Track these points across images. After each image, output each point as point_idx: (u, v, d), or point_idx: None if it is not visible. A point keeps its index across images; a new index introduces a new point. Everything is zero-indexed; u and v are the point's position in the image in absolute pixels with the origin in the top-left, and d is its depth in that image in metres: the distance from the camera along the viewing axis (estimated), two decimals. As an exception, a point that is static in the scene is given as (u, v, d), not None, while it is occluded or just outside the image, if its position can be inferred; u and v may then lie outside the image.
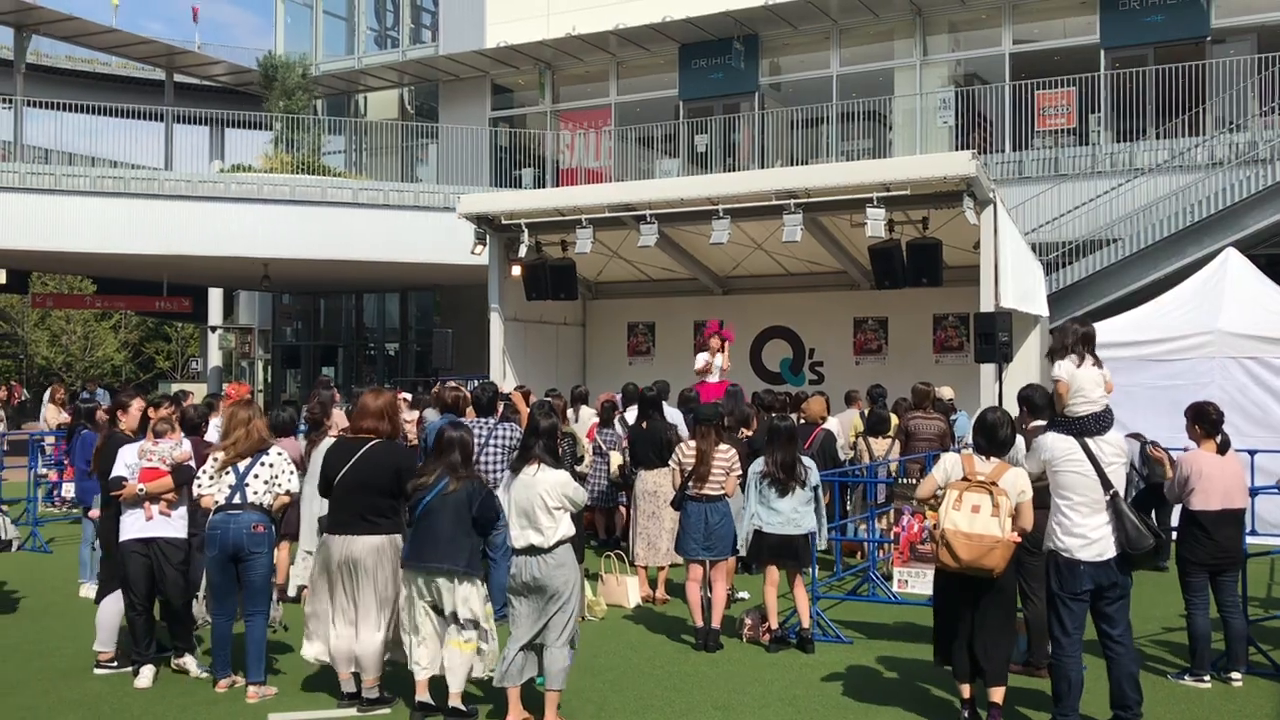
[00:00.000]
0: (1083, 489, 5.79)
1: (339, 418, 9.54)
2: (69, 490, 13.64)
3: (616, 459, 10.96)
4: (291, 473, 6.85)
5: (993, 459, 6.01)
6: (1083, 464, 5.81)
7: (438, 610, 6.23)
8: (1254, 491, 8.30)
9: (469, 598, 6.18)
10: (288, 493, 6.84)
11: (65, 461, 13.81)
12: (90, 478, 9.68)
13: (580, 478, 11.00)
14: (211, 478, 6.81)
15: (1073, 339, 6.06)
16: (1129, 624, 5.93)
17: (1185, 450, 7.38)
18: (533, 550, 6.02)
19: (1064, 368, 5.98)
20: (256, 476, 6.73)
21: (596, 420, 11.93)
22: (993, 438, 6.04)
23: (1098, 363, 6.03)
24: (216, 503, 6.73)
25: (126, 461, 7.11)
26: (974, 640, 5.98)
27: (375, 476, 6.39)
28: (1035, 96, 19.79)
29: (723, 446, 8.24)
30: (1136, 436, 9.90)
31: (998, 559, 5.78)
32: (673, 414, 10.79)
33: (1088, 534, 5.77)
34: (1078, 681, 5.79)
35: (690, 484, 8.17)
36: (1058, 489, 5.89)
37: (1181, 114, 18.09)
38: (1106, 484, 5.78)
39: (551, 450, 6.24)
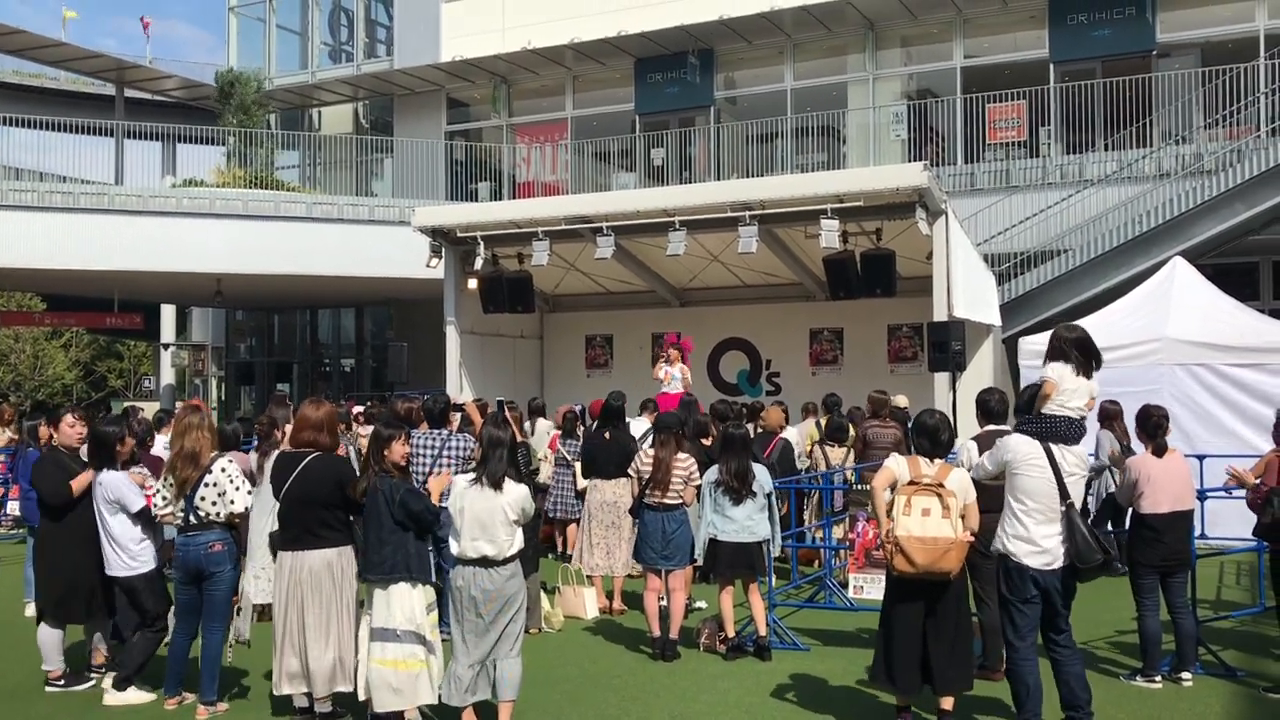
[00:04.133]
0: (1040, 495, 5.77)
1: (289, 429, 9.43)
2: (14, 508, 13.41)
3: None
4: (239, 488, 6.67)
5: (936, 460, 6.00)
6: (1044, 470, 5.78)
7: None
8: (1203, 495, 8.42)
9: (406, 606, 6.03)
10: (234, 515, 6.67)
11: (10, 479, 13.57)
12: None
13: (541, 489, 10.94)
14: (167, 500, 6.76)
15: (1067, 344, 5.98)
16: (1070, 627, 5.95)
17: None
18: (486, 562, 5.96)
19: (1056, 368, 5.92)
20: (204, 499, 6.62)
21: (557, 431, 11.87)
22: (936, 440, 6.03)
23: (1087, 374, 5.93)
24: (178, 525, 6.70)
25: (137, 493, 6.99)
26: (929, 649, 5.94)
27: (318, 489, 6.29)
28: (986, 110, 20.03)
29: (681, 455, 8.23)
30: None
31: (953, 561, 5.78)
32: (638, 425, 10.78)
33: (1039, 542, 5.77)
34: (1035, 685, 5.80)
35: (649, 492, 8.15)
36: (1014, 491, 5.86)
37: (1129, 126, 18.38)
38: (1064, 493, 5.76)
39: (514, 462, 6.19)
